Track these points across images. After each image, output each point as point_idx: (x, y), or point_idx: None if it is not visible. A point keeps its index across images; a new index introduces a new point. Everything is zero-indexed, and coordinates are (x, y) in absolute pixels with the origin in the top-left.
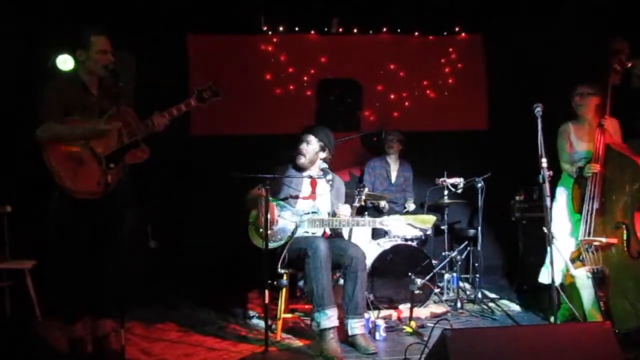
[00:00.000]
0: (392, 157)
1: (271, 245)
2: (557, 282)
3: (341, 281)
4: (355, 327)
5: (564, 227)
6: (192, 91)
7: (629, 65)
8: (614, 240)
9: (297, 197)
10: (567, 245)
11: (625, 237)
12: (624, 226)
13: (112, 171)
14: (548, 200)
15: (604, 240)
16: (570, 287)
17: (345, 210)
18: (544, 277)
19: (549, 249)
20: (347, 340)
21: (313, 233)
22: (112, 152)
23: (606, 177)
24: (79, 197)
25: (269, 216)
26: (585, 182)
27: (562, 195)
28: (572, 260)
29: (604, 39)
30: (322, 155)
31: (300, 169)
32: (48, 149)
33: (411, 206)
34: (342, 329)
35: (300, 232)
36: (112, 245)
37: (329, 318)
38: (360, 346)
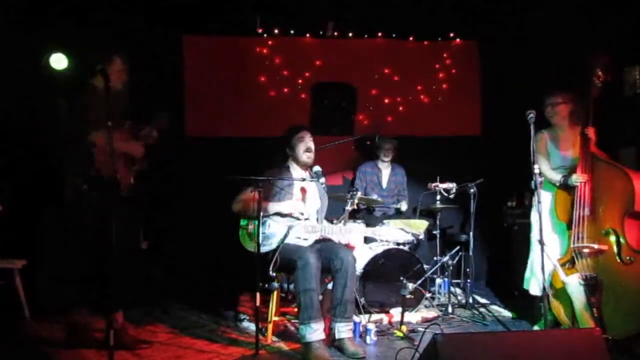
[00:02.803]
0: (385, 163)
1: (263, 249)
2: (538, 292)
3: (331, 286)
4: (343, 330)
5: (548, 232)
6: (188, 93)
7: (606, 78)
8: (604, 247)
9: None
10: (552, 250)
11: (615, 243)
12: (614, 232)
13: (134, 171)
14: (540, 206)
15: (595, 246)
16: (558, 293)
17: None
18: (531, 286)
19: (531, 255)
20: (333, 344)
21: (305, 239)
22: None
23: (594, 185)
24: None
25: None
26: (572, 190)
27: (543, 200)
28: (562, 266)
29: (584, 52)
30: None
31: (301, 170)
32: (97, 147)
33: (404, 206)
34: (330, 333)
35: (292, 238)
36: (101, 246)
37: (315, 332)
38: (348, 350)
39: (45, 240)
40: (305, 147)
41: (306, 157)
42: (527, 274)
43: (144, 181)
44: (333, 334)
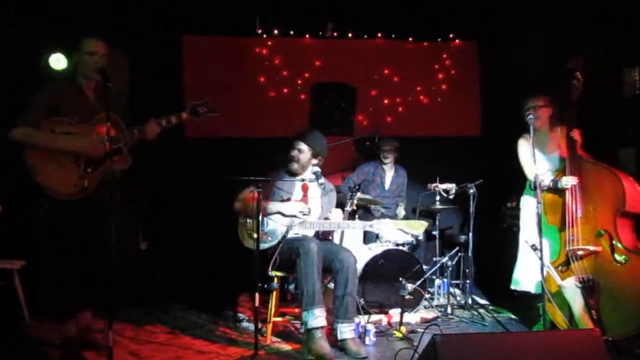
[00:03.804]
0: (388, 165)
1: (261, 246)
2: (532, 289)
3: (331, 285)
4: (345, 331)
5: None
6: (188, 93)
7: (586, 81)
8: (598, 248)
9: (289, 199)
10: (543, 254)
11: (609, 244)
12: (607, 233)
13: (89, 175)
14: (539, 207)
15: (589, 248)
16: (553, 296)
17: (337, 216)
18: (520, 284)
19: (519, 255)
20: (336, 344)
21: (304, 235)
22: (93, 157)
23: (584, 187)
24: (56, 197)
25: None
26: (561, 193)
27: (530, 203)
28: (556, 269)
29: (563, 57)
30: (315, 161)
31: (293, 173)
32: (28, 147)
33: (401, 212)
34: (332, 333)
35: (291, 235)
36: (99, 247)
37: (317, 318)
38: (351, 350)
39: (44, 241)
40: (290, 155)
41: (290, 164)
42: (516, 274)
43: (141, 181)
44: (335, 334)
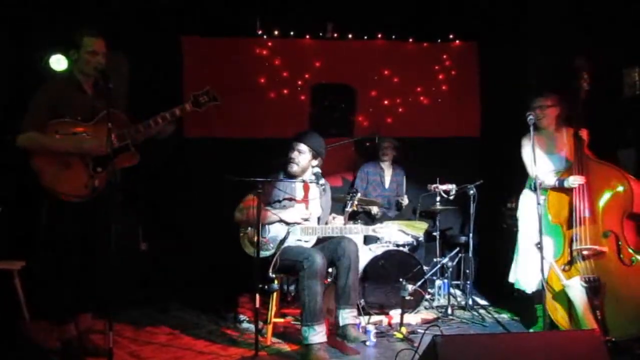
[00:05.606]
0: (386, 163)
1: (263, 254)
2: (534, 289)
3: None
4: (347, 317)
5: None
6: (187, 94)
7: (589, 82)
8: (604, 248)
9: (291, 199)
10: (545, 253)
11: (615, 244)
12: (613, 234)
13: (99, 175)
14: (540, 208)
15: (597, 248)
16: (555, 295)
17: (339, 223)
18: (511, 277)
19: (519, 253)
20: (337, 332)
21: (306, 241)
22: (100, 156)
23: (591, 187)
24: (66, 199)
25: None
26: (566, 192)
27: (529, 199)
28: (560, 268)
29: (569, 57)
30: (315, 162)
31: (292, 175)
32: (33, 151)
33: (405, 200)
34: (332, 326)
35: (292, 240)
36: (100, 247)
37: (317, 334)
38: (351, 336)
39: (45, 242)
40: (289, 157)
41: (289, 166)
42: (515, 272)
43: (140, 182)
44: (337, 321)
